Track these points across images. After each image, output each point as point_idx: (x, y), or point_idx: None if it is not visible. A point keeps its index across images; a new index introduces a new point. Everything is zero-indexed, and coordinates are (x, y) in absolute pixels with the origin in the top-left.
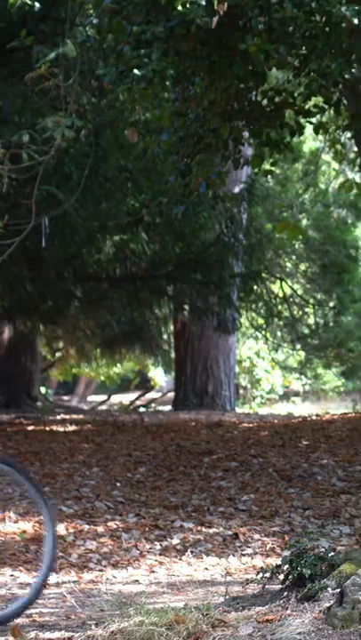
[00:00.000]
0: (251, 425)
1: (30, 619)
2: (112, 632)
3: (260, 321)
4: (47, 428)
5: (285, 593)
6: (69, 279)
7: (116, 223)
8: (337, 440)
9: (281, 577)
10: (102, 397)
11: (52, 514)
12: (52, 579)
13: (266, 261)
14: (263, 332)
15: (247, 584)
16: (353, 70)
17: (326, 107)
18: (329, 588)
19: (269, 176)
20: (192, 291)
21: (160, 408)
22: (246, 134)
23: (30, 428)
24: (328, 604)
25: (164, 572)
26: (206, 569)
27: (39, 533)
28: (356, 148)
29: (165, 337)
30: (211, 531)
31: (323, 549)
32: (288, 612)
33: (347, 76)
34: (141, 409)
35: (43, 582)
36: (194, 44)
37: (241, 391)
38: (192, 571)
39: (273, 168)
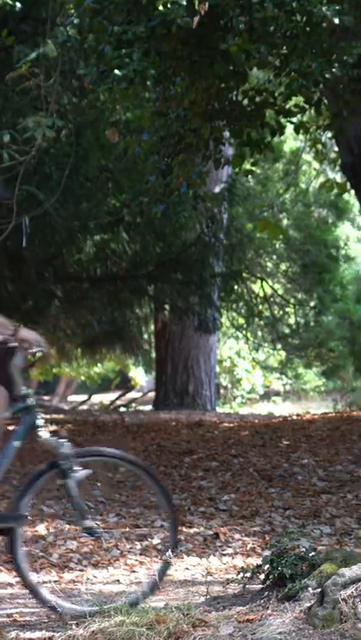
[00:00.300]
0: (231, 425)
1: (11, 618)
2: (93, 632)
3: (241, 321)
4: None
5: (266, 593)
6: (50, 279)
7: (96, 223)
8: (318, 440)
9: (262, 577)
10: (83, 397)
11: (175, 515)
12: (33, 578)
13: (246, 261)
14: (244, 332)
15: (228, 584)
16: (334, 70)
17: (307, 106)
18: (310, 588)
19: (250, 176)
20: (173, 290)
21: (141, 408)
22: (227, 134)
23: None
24: (309, 604)
25: (144, 571)
26: (187, 569)
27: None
28: (336, 148)
29: (146, 337)
30: (191, 530)
31: (303, 549)
32: (269, 611)
33: (327, 76)
34: (122, 409)
35: (165, 570)
36: (175, 44)
37: (222, 391)
38: (173, 570)
39: (254, 168)
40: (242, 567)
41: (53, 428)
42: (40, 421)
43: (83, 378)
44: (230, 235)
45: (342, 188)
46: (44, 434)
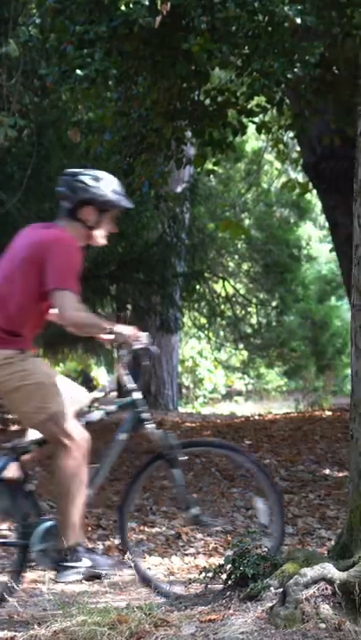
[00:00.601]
0: (193, 424)
1: None
2: (55, 632)
3: (203, 320)
4: None
5: (228, 593)
6: None
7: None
8: (280, 440)
9: (224, 577)
10: None
11: (280, 500)
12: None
13: (208, 261)
14: (206, 332)
15: (190, 584)
16: (295, 70)
17: (269, 106)
18: (272, 588)
19: (212, 175)
20: (135, 290)
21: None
22: (189, 134)
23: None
24: (271, 604)
25: None
26: (149, 568)
27: None
28: (298, 148)
29: None
30: (153, 530)
31: (265, 549)
32: (231, 611)
33: (289, 76)
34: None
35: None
36: (137, 44)
37: (184, 391)
38: (134, 570)
39: (215, 168)
40: (204, 567)
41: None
42: (146, 415)
43: None
44: (192, 234)
45: (304, 188)
46: (150, 426)
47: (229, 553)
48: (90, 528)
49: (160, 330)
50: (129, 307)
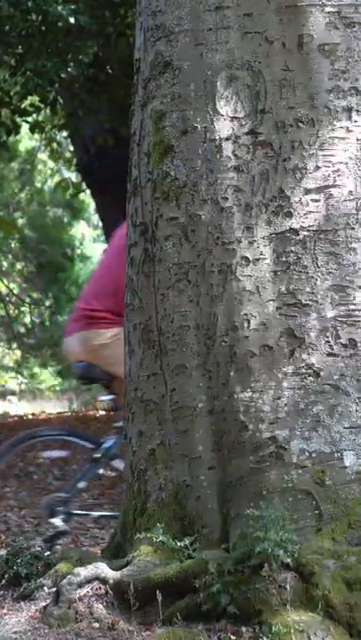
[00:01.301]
0: None
1: None
2: None
3: None
4: None
5: (2, 592)
6: None
7: None
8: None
9: None
10: None
11: None
12: None
13: None
14: None
15: None
16: (69, 69)
17: (42, 106)
18: (45, 588)
19: None
20: None
21: None
22: None
23: None
24: (44, 604)
25: None
26: None
27: None
28: (72, 147)
29: None
30: None
31: (39, 548)
32: (4, 611)
33: (63, 75)
34: None
35: None
36: None
37: None
38: None
39: None
40: None
41: None
42: None
43: None
44: None
45: (78, 188)
46: None
47: (2, 552)
48: None
49: None
50: None
